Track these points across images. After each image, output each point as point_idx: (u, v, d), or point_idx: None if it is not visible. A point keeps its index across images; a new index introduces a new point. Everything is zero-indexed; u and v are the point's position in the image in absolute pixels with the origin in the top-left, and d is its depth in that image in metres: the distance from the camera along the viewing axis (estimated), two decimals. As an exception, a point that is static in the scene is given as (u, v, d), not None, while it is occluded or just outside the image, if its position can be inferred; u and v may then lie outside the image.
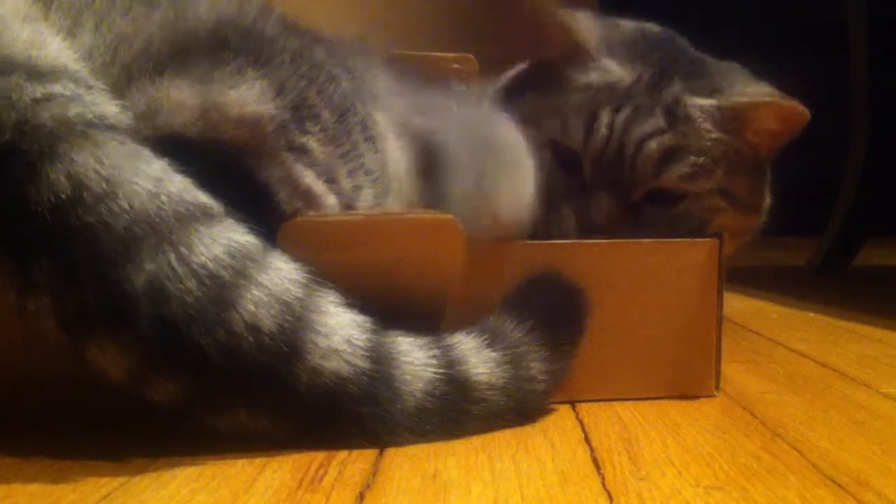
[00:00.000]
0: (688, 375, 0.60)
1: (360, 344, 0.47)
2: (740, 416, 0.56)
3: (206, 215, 0.45)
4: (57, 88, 0.45)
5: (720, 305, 0.60)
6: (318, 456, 0.47)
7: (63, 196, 0.42)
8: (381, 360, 0.47)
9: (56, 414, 0.51)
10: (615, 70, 0.67)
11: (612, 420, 0.54)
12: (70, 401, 0.51)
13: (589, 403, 0.57)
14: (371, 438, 0.47)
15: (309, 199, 0.52)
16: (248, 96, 0.50)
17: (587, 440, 0.50)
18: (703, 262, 0.59)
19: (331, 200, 0.53)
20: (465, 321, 0.53)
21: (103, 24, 0.51)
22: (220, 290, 0.43)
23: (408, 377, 0.47)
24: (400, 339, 0.49)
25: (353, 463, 0.45)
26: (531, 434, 0.51)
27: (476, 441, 0.49)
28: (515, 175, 0.58)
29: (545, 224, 0.63)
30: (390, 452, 0.47)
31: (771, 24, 2.31)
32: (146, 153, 0.46)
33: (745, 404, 0.59)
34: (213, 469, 0.44)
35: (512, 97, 0.70)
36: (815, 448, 0.49)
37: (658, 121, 0.65)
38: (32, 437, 0.49)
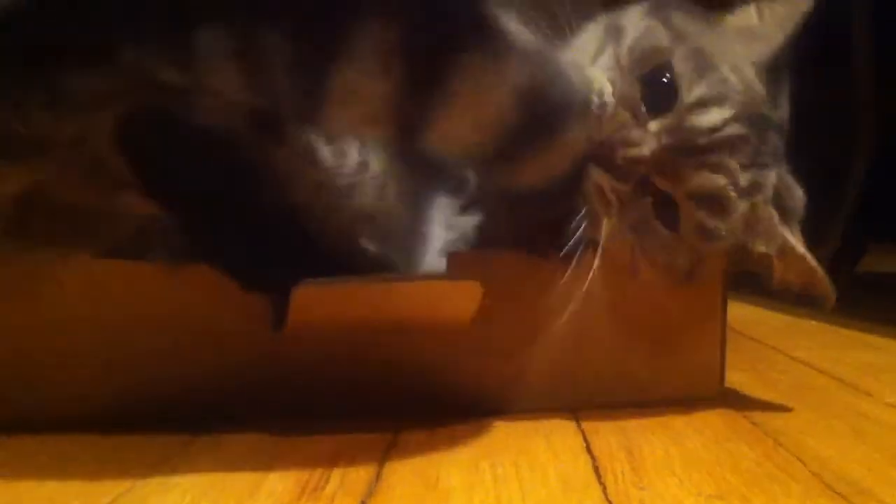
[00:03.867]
0: (690, 382, 0.60)
1: None
2: (742, 424, 0.56)
3: None
4: None
5: (724, 312, 0.60)
6: (322, 462, 0.47)
7: None
8: None
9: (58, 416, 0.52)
10: None
11: (614, 428, 0.54)
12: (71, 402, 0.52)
13: (590, 411, 0.57)
14: None
15: None
16: None
17: (588, 449, 0.50)
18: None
19: None
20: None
21: None
22: None
23: None
24: None
25: (355, 470, 0.46)
26: (533, 441, 0.51)
27: (478, 448, 0.49)
28: None
29: None
30: (392, 459, 0.47)
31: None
32: None
33: (747, 413, 0.59)
34: (216, 476, 0.45)
35: None
36: (816, 457, 0.49)
37: None
38: (34, 442, 0.49)
